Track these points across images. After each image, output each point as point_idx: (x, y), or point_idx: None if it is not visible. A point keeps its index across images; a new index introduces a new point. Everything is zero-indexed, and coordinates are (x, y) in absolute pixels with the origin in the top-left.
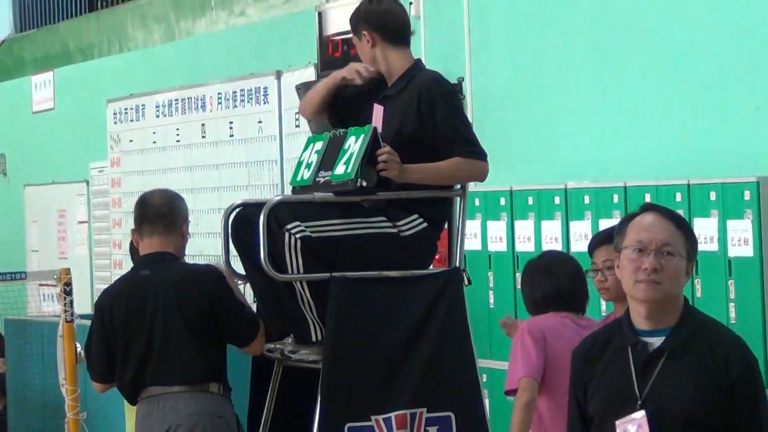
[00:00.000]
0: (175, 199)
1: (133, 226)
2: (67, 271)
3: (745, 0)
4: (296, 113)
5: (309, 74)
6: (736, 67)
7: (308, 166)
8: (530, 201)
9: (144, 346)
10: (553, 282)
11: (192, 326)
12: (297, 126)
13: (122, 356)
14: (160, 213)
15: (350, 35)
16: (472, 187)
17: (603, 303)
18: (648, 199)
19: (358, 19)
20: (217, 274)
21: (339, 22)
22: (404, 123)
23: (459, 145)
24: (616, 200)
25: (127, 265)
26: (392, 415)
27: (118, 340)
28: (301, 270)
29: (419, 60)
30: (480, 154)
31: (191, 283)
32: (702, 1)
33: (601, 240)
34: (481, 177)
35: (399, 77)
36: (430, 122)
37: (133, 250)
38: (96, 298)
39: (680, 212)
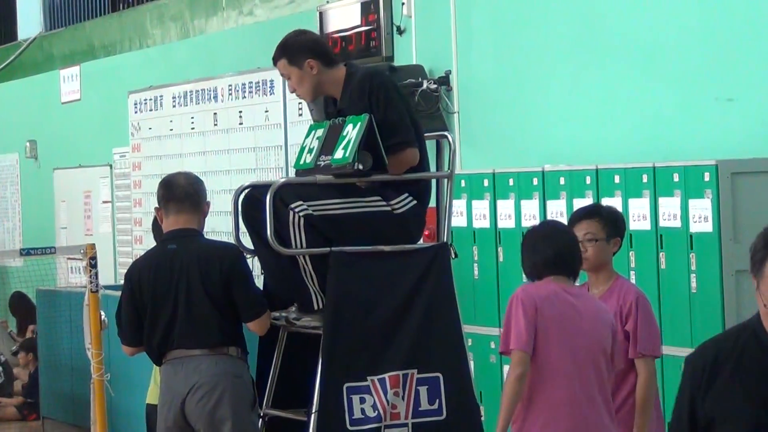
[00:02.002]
0: (198, 181)
1: (157, 205)
2: (93, 247)
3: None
4: (299, 103)
5: None
6: (697, 62)
7: (310, 151)
8: (511, 182)
9: (170, 312)
10: (552, 247)
11: (211, 296)
12: (300, 115)
13: (150, 322)
14: (188, 193)
15: (348, 32)
16: (458, 169)
17: None
18: (617, 180)
19: (297, 51)
20: (236, 252)
21: (338, 21)
22: None
23: (383, 140)
24: (588, 182)
25: (147, 240)
26: (386, 375)
27: (146, 307)
28: (304, 245)
29: (349, 64)
30: (398, 145)
31: (213, 258)
32: (669, 1)
33: (582, 215)
34: (407, 164)
35: (343, 89)
36: (377, 110)
37: (156, 226)
38: (122, 270)
39: (646, 192)
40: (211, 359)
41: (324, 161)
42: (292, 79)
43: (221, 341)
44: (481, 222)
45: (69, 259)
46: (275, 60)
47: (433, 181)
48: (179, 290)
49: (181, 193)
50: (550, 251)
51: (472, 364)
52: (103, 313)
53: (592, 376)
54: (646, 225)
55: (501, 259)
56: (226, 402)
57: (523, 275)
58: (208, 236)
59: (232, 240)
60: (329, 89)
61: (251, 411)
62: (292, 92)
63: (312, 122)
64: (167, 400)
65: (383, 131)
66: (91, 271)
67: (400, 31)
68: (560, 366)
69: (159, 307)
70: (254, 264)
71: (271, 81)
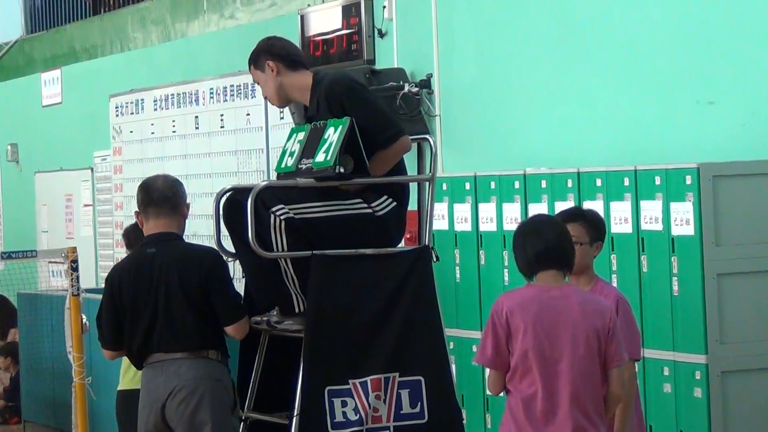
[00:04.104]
0: (176, 184)
1: (137, 209)
2: (74, 250)
3: (688, 2)
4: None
5: None
6: (678, 65)
7: (291, 154)
8: (492, 185)
9: (150, 316)
10: (542, 241)
11: (190, 299)
12: (281, 118)
13: (130, 325)
14: (165, 196)
15: (329, 36)
16: (440, 173)
17: None
18: (599, 183)
19: (259, 54)
20: (216, 256)
21: (319, 24)
22: None
23: (376, 136)
24: (570, 185)
25: None
26: (368, 378)
27: (126, 311)
28: (285, 248)
29: (316, 71)
30: (394, 136)
31: (192, 261)
32: (649, 5)
33: (566, 218)
34: (405, 151)
35: (311, 94)
36: (355, 112)
37: (131, 231)
38: (103, 274)
39: (628, 195)
40: (191, 362)
41: (305, 164)
42: (260, 85)
43: (201, 344)
44: (463, 225)
45: (50, 262)
46: (249, 68)
47: (415, 184)
48: (159, 294)
49: (160, 197)
50: (540, 246)
51: (453, 367)
52: (84, 316)
53: (566, 380)
54: (627, 228)
55: (483, 262)
56: (205, 405)
57: (506, 278)
58: (190, 239)
59: (213, 243)
60: (294, 94)
61: (231, 414)
62: (264, 98)
63: (293, 125)
64: (147, 404)
65: (371, 129)
66: (72, 274)
67: (382, 35)
68: (527, 372)
69: (139, 311)
70: (235, 267)
71: (253, 84)
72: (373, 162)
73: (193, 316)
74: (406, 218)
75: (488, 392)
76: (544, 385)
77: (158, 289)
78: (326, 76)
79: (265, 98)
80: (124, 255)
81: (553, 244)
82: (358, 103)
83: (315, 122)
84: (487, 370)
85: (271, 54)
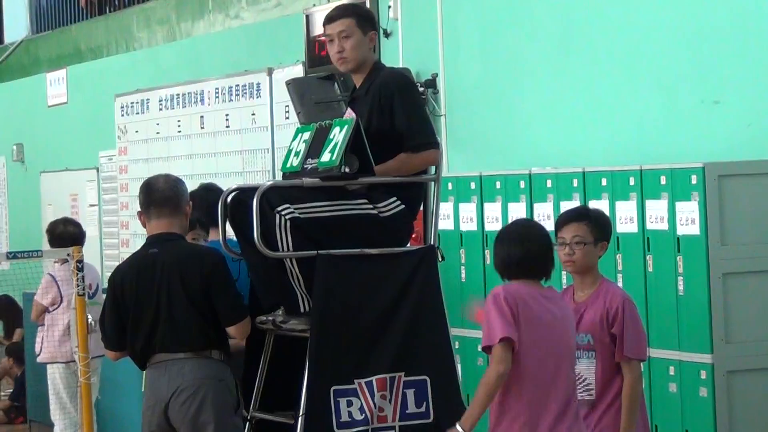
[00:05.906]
0: (178, 183)
1: (139, 209)
2: (79, 250)
3: (694, 2)
4: (286, 106)
5: (297, 71)
6: (684, 64)
7: (297, 154)
8: (498, 185)
9: (152, 316)
10: (526, 249)
11: (192, 300)
12: (287, 118)
13: (133, 326)
14: (166, 197)
15: None
16: (445, 172)
17: (563, 275)
18: (604, 183)
19: (368, 19)
20: (217, 256)
21: None
22: (371, 120)
23: (408, 139)
24: (575, 184)
25: (134, 244)
26: (373, 378)
27: (129, 312)
28: (291, 248)
29: (378, 60)
30: (425, 145)
31: (193, 262)
32: (654, 5)
33: (571, 217)
34: (430, 164)
35: (366, 77)
36: (389, 117)
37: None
38: (109, 274)
39: (633, 195)
40: (194, 363)
41: (311, 164)
42: (350, 40)
43: (204, 344)
44: (468, 225)
45: (56, 262)
46: (339, 16)
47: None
48: (161, 294)
49: (161, 198)
50: (522, 253)
51: (459, 366)
52: (89, 316)
53: (563, 377)
54: (633, 228)
55: (488, 261)
56: (208, 406)
57: None
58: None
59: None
60: (363, 68)
61: (234, 414)
62: (339, 52)
63: (299, 125)
64: (151, 404)
65: (408, 130)
66: (77, 274)
67: (387, 34)
68: (528, 370)
69: (141, 312)
70: (240, 267)
71: (258, 84)
72: (395, 161)
73: (195, 316)
74: (413, 222)
75: (498, 371)
76: (545, 385)
77: (160, 290)
78: (386, 68)
79: (340, 57)
80: (126, 255)
81: (538, 253)
82: (407, 103)
83: (320, 122)
84: (499, 354)
85: (375, 30)
